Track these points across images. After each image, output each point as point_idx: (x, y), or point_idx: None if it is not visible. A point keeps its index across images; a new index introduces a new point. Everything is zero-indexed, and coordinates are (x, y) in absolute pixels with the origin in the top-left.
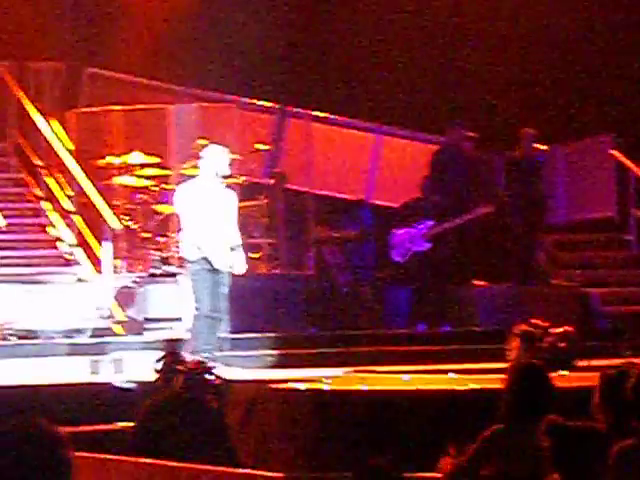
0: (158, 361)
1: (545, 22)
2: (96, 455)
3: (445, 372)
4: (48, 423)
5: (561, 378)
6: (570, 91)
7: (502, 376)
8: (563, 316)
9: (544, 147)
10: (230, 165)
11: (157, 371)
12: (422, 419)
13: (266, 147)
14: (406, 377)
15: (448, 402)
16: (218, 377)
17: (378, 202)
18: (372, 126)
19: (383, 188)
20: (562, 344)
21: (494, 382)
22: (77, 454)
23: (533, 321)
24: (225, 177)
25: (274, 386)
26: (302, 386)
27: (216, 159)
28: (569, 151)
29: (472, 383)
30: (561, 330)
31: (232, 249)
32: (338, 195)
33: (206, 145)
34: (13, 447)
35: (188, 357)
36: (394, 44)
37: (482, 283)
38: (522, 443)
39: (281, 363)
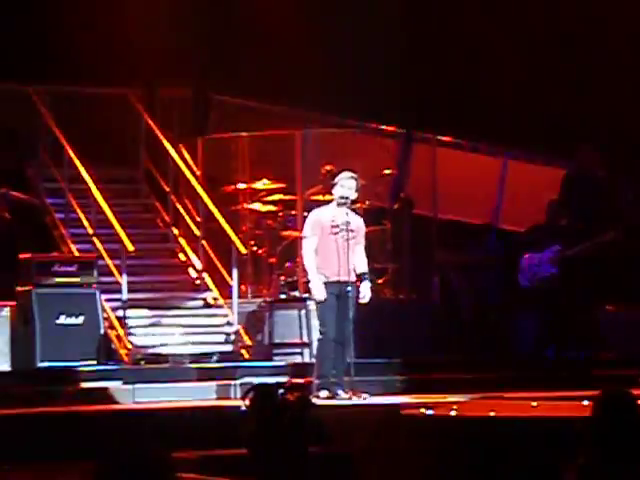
0: (246, 395)
1: None
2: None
3: (574, 399)
4: (159, 449)
5: None
6: None
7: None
8: None
9: None
10: (359, 191)
11: (247, 407)
12: (552, 446)
13: (391, 172)
14: (535, 404)
15: (580, 429)
16: (316, 420)
17: (504, 226)
18: (498, 150)
19: (509, 212)
20: None
21: None
22: (206, 478)
23: None
24: (353, 202)
25: (401, 412)
26: (429, 412)
27: (348, 185)
28: None
29: None
30: None
31: (359, 276)
32: (464, 220)
33: (333, 170)
34: (126, 473)
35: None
36: (522, 66)
37: (614, 307)
38: None
39: (407, 388)
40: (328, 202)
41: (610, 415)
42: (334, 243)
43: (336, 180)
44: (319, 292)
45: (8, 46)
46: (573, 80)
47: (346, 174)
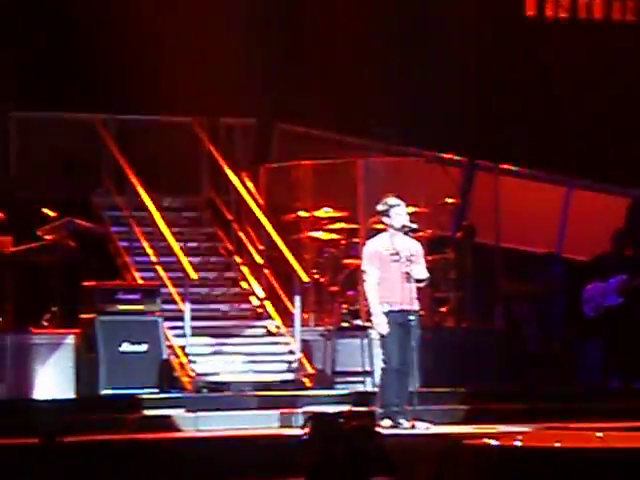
0: (306, 424)
1: None
2: None
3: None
4: None
5: None
6: None
7: None
8: None
9: None
10: (412, 218)
11: (306, 433)
12: (618, 478)
13: (454, 200)
14: (600, 434)
15: None
16: (381, 450)
17: (569, 255)
18: (561, 178)
19: (574, 241)
20: None
21: None
22: None
23: None
24: (413, 230)
25: (466, 441)
26: (494, 442)
27: (404, 212)
28: None
29: None
30: None
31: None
32: (527, 248)
33: (388, 200)
34: None
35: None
36: (578, 95)
37: None
38: None
39: (471, 418)
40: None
41: None
42: (396, 271)
43: (385, 208)
44: (382, 327)
45: (74, 76)
46: (638, 108)
47: (398, 201)
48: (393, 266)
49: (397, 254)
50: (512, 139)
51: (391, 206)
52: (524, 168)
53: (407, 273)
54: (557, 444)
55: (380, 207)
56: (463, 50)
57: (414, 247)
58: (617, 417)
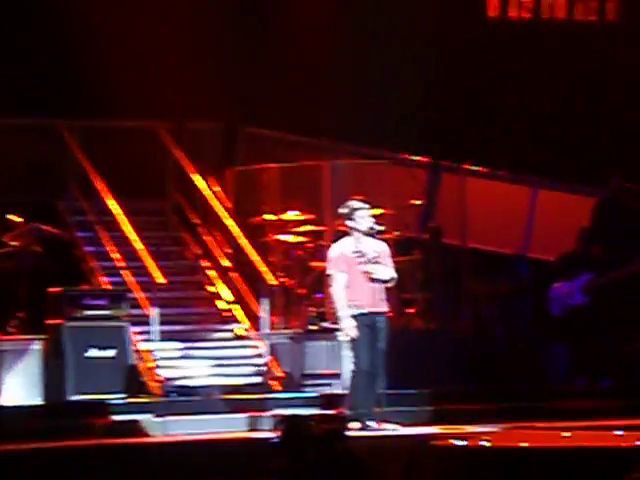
0: (277, 427)
1: None
2: None
3: (606, 428)
4: None
5: None
6: None
7: None
8: None
9: None
10: (378, 220)
11: (278, 438)
12: (585, 477)
13: (420, 202)
14: (567, 434)
15: (612, 460)
16: (349, 449)
17: (535, 255)
18: (527, 179)
19: (540, 241)
20: None
21: None
22: None
23: None
24: (379, 232)
25: (433, 442)
26: (461, 442)
27: (369, 214)
28: None
29: (638, 439)
30: None
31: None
32: (494, 249)
33: (352, 202)
34: None
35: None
36: (551, 95)
37: None
38: None
39: (438, 419)
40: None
41: None
42: (363, 274)
43: (348, 210)
44: (351, 330)
45: (39, 81)
46: (603, 109)
47: (361, 204)
48: (359, 269)
49: (363, 256)
50: (477, 140)
51: (354, 209)
52: (490, 169)
53: (372, 275)
54: (524, 444)
55: (342, 210)
56: (427, 51)
57: (380, 248)
58: (583, 416)
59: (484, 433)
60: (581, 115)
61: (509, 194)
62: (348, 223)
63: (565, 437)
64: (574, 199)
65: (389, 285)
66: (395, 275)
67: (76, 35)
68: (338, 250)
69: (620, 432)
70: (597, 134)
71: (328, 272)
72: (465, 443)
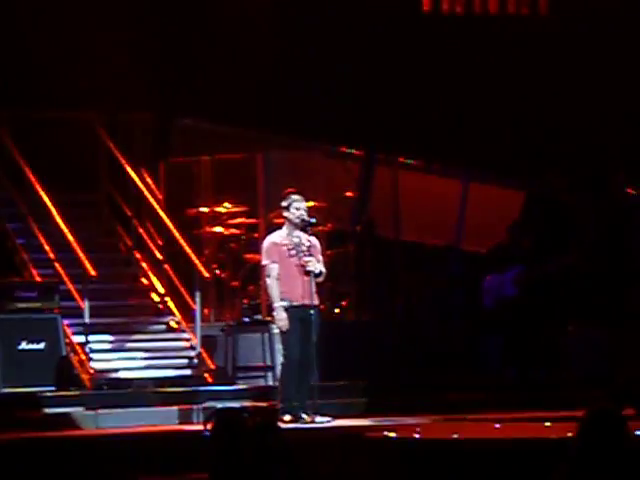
0: (208, 420)
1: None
2: None
3: (537, 420)
4: None
5: None
6: None
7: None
8: None
9: (635, 191)
10: (311, 213)
11: (209, 431)
12: (515, 468)
13: (353, 194)
14: (498, 425)
15: (543, 451)
16: (281, 441)
17: (467, 248)
18: (459, 172)
19: (471, 233)
20: None
21: None
22: None
23: None
24: (312, 225)
25: (366, 434)
26: (393, 434)
27: (303, 206)
28: None
29: (568, 431)
30: None
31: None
32: (426, 241)
33: (286, 194)
34: None
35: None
36: (485, 88)
37: (575, 328)
38: None
39: (371, 411)
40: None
41: (597, 433)
42: (295, 266)
43: (288, 202)
44: (283, 323)
45: None
46: (536, 102)
47: (299, 196)
48: (291, 261)
49: (294, 249)
50: (410, 133)
51: (293, 200)
52: (422, 162)
53: (304, 267)
54: (455, 435)
55: (283, 203)
56: (359, 45)
57: (312, 242)
58: (514, 408)
59: (416, 425)
60: (513, 108)
61: (441, 187)
62: (284, 214)
63: (496, 428)
64: (505, 192)
65: (319, 280)
66: (324, 270)
67: (7, 24)
68: (270, 241)
69: (550, 423)
70: (529, 128)
71: (262, 263)
72: (397, 435)
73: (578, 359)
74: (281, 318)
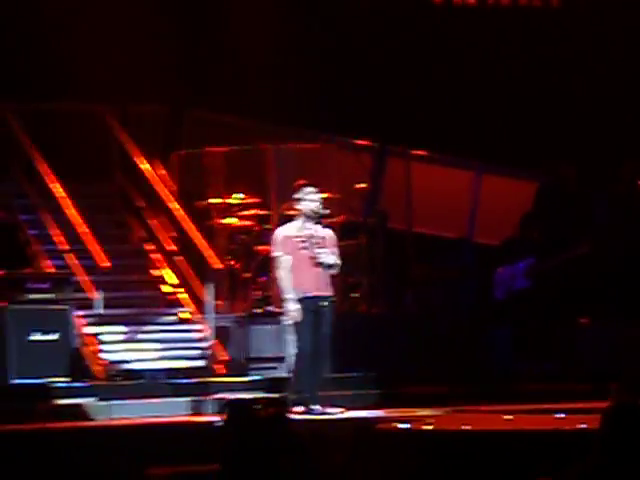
0: (222, 411)
1: None
2: None
3: (548, 411)
4: None
5: None
6: None
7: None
8: None
9: None
10: (324, 204)
11: (222, 422)
12: (526, 460)
13: (365, 186)
14: (509, 417)
15: (555, 443)
16: (293, 433)
17: (479, 240)
18: (471, 163)
19: (483, 226)
20: None
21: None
22: None
23: None
24: (324, 217)
25: (378, 426)
26: (404, 426)
27: (316, 198)
28: None
29: (580, 423)
30: None
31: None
32: (438, 233)
33: (300, 186)
34: None
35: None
36: (498, 81)
37: (587, 320)
38: None
39: (383, 402)
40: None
41: (620, 427)
42: (307, 258)
43: (301, 195)
44: (294, 314)
45: None
46: (548, 96)
47: (311, 189)
48: (304, 253)
49: (307, 241)
50: (422, 125)
51: (306, 192)
52: (435, 153)
53: (317, 259)
54: (466, 427)
55: (297, 194)
56: (371, 36)
57: (326, 234)
58: (526, 400)
59: (428, 416)
60: (525, 100)
61: (454, 179)
62: (297, 206)
63: (507, 420)
64: (518, 184)
65: (333, 272)
66: (339, 262)
67: (20, 19)
68: (283, 233)
69: (562, 415)
70: (540, 119)
71: (273, 255)
72: (409, 426)
73: (590, 352)
74: (292, 309)
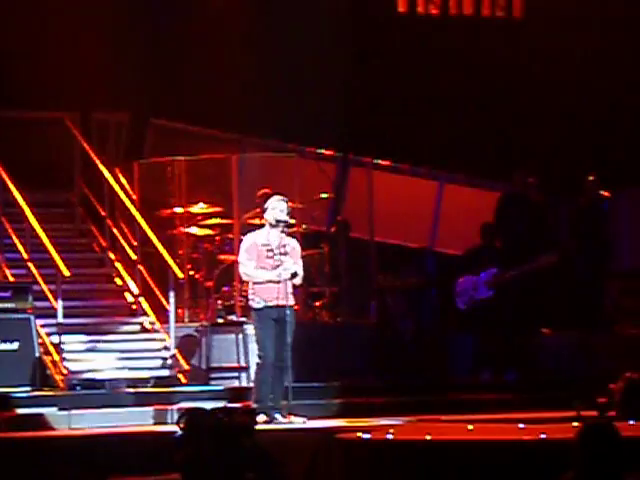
0: (180, 420)
1: (608, 65)
2: None
3: (510, 421)
4: None
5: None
6: (634, 135)
7: (569, 425)
8: (629, 363)
9: (608, 194)
10: (290, 214)
11: (181, 429)
12: (488, 470)
13: (328, 195)
14: (471, 427)
15: (515, 452)
16: (254, 445)
17: (441, 249)
18: (433, 173)
19: (446, 235)
20: None
21: (562, 432)
22: None
23: None
24: (288, 226)
25: (338, 435)
26: (366, 435)
27: (280, 207)
28: (633, 196)
29: (540, 433)
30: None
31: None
32: (401, 243)
33: (267, 195)
34: None
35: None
36: (450, 91)
37: (548, 331)
38: None
39: (345, 412)
40: (264, 226)
41: (593, 445)
42: (270, 267)
43: (268, 203)
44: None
45: None
46: (509, 104)
47: (278, 197)
48: (268, 262)
49: (272, 250)
50: (386, 134)
51: (272, 201)
52: (397, 163)
53: (280, 269)
54: (428, 436)
55: (264, 203)
56: (336, 47)
57: (291, 244)
58: (487, 409)
59: (389, 426)
60: (487, 110)
61: (416, 188)
62: (264, 215)
63: (469, 430)
64: (480, 194)
65: (296, 282)
66: (301, 272)
67: None
68: (251, 239)
69: (523, 425)
70: (502, 129)
71: (239, 260)
72: (370, 436)
73: (551, 362)
74: (284, 272)
